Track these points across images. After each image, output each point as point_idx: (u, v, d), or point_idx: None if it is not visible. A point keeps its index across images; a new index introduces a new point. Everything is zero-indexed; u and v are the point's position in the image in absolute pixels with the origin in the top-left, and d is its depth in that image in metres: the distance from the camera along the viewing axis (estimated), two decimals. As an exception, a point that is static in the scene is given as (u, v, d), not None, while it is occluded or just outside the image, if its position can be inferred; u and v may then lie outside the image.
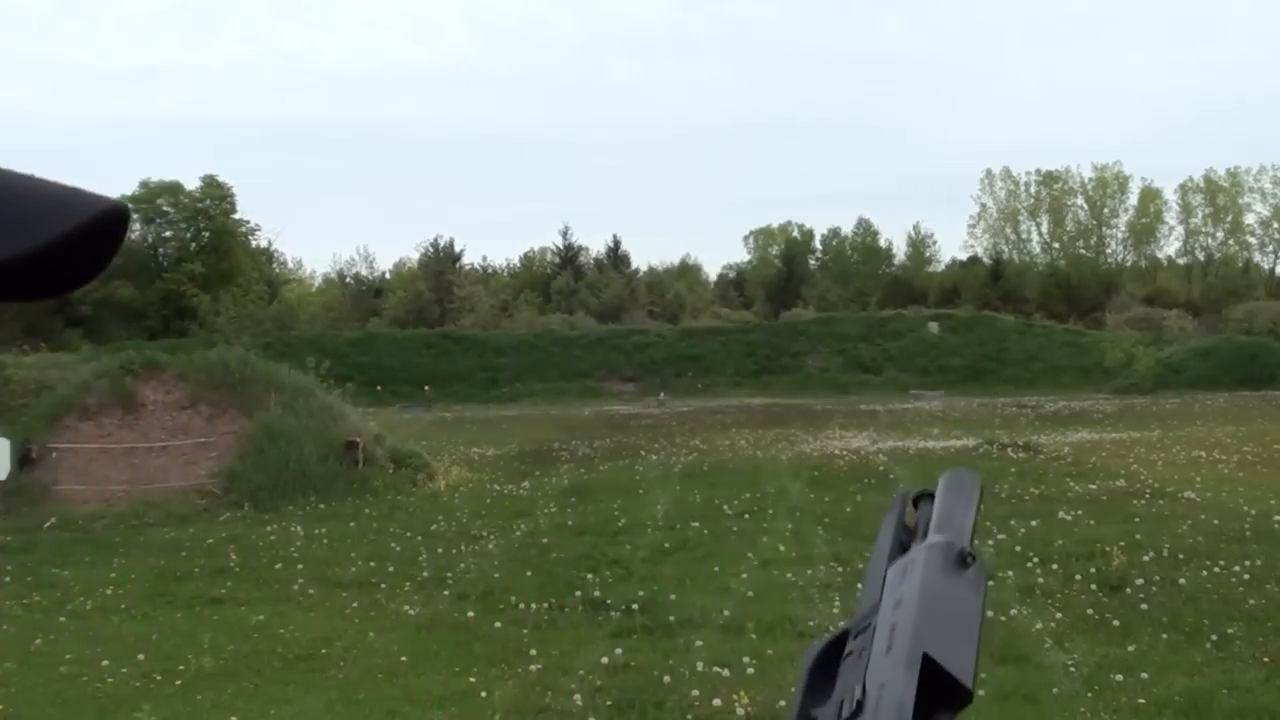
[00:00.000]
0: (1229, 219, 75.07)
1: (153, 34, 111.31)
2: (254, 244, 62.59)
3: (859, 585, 0.47)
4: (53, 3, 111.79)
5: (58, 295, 0.50)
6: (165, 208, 57.98)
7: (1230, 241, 75.72)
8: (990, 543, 10.55)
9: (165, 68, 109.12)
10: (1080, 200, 78.37)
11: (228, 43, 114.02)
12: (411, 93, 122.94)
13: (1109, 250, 78.32)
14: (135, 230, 58.79)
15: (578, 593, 8.96)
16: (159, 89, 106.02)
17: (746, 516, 12.86)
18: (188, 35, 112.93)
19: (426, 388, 44.39)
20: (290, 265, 75.29)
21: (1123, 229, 77.99)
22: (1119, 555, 9.22)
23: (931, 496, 0.49)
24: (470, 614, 8.43)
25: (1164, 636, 7.18)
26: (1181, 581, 8.60)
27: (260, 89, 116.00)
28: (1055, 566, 9.21)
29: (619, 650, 7.15)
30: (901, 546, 0.47)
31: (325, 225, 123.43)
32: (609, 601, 8.56)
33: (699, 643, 7.26)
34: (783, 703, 5.99)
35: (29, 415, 16.52)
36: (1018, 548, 10.18)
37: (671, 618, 8.04)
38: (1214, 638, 7.08)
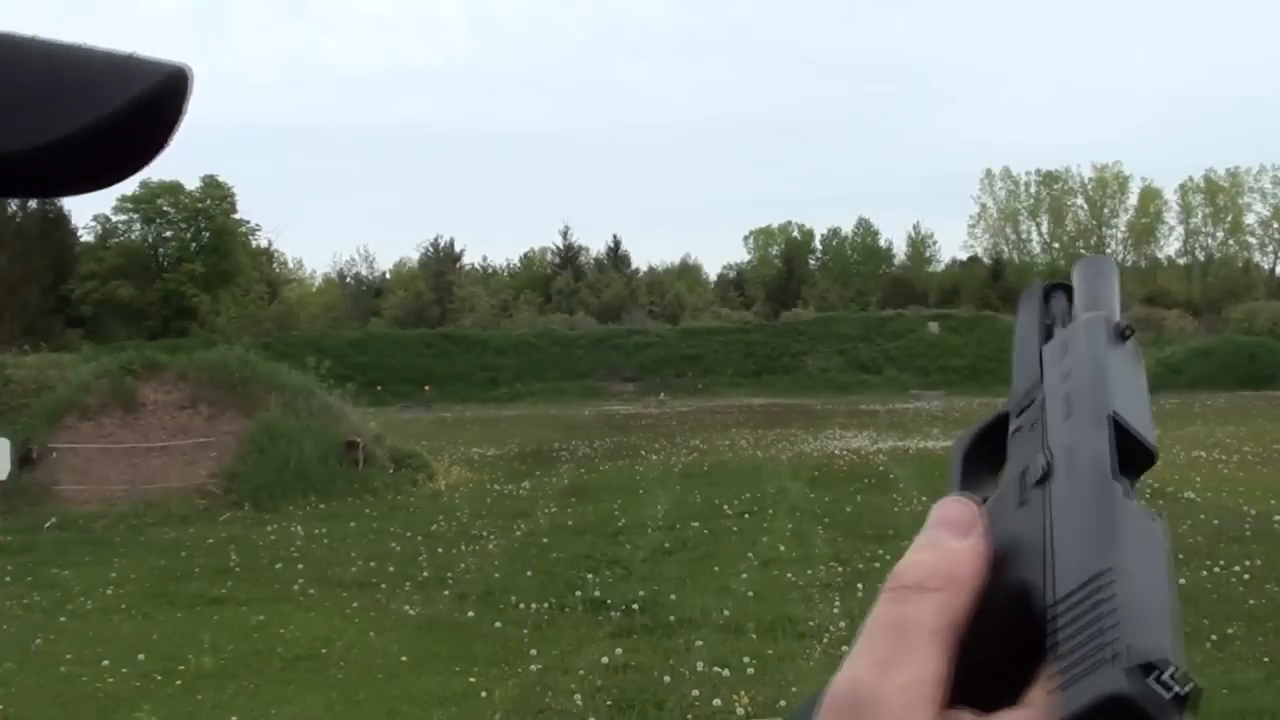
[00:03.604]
0: (1229, 219, 75.13)
1: (157, 34, 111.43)
2: (254, 244, 62.64)
3: (1012, 369, 0.47)
4: (58, 4, 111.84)
5: (124, 177, 0.45)
6: (165, 208, 58.00)
7: (1230, 241, 75.81)
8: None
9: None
10: (1080, 200, 78.47)
11: (231, 43, 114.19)
12: (412, 93, 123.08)
13: (1109, 250, 78.31)
14: (135, 230, 58.90)
15: (578, 593, 8.96)
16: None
17: (746, 516, 12.86)
18: (192, 36, 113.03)
19: (426, 388, 44.40)
20: (290, 265, 75.43)
21: (1123, 229, 78.10)
22: (1119, 555, 9.21)
23: (1065, 289, 0.50)
24: (470, 614, 8.43)
25: (1164, 636, 7.17)
26: (1181, 581, 8.59)
27: (261, 89, 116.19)
28: (1055, 566, 9.20)
29: (619, 650, 7.15)
30: (1048, 332, 0.47)
31: (325, 225, 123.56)
32: (609, 601, 8.56)
33: (699, 643, 7.26)
34: (783, 703, 5.99)
35: (29, 415, 16.51)
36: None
37: (671, 618, 8.04)
38: (1214, 638, 7.08)
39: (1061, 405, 0.41)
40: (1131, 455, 0.37)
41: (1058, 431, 0.40)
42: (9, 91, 0.42)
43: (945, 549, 0.37)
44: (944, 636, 0.35)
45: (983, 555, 0.37)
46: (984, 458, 0.46)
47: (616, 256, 73.99)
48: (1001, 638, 0.35)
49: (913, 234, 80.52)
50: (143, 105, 0.43)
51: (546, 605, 8.56)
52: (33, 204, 56.96)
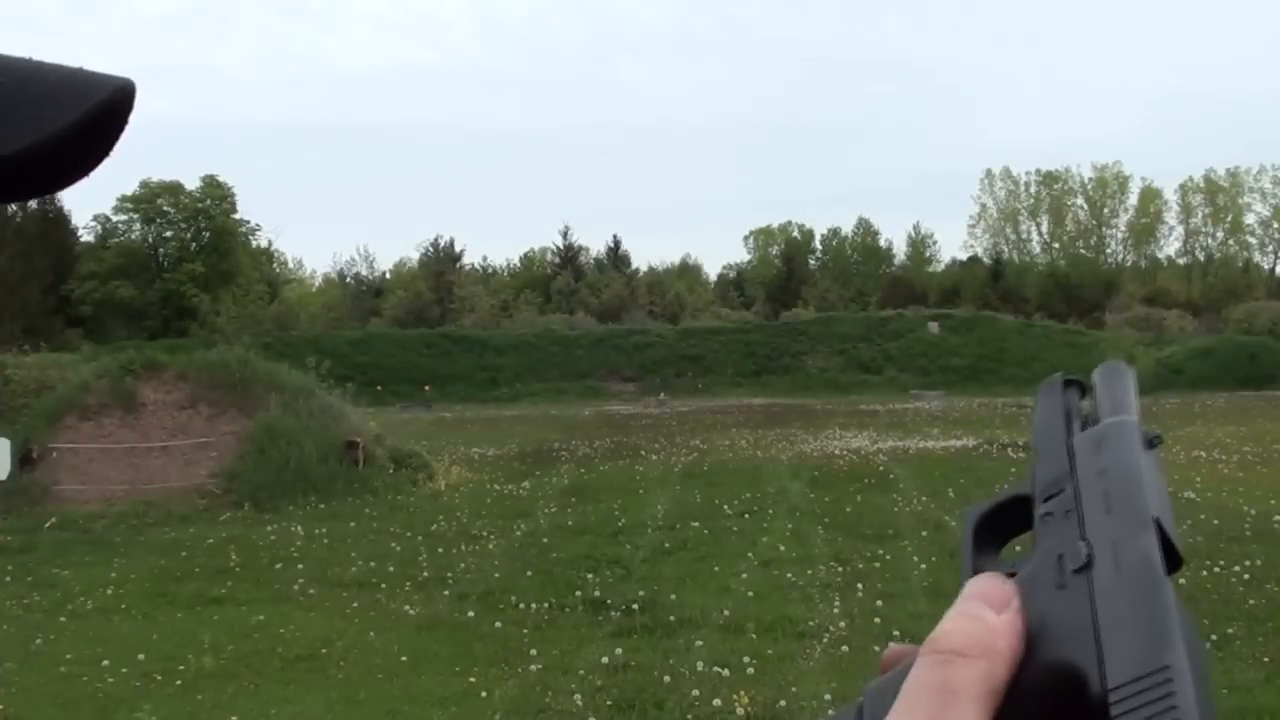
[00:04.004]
0: (1229, 219, 75.15)
1: (159, 35, 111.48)
2: (254, 244, 62.60)
3: (1034, 453, 0.49)
4: (61, 4, 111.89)
5: (64, 187, 0.48)
6: (165, 208, 57.99)
7: (1230, 241, 75.81)
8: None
9: (170, 68, 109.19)
10: (1080, 200, 78.48)
11: (233, 43, 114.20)
12: (413, 92, 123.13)
13: (1109, 250, 78.39)
14: (135, 230, 58.90)
15: (578, 593, 8.96)
16: (162, 89, 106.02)
17: (746, 516, 12.86)
18: (193, 36, 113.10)
19: (426, 388, 44.40)
20: (290, 265, 75.46)
21: (1123, 229, 78.11)
22: (1119, 555, 9.21)
23: (1080, 384, 0.51)
24: (470, 614, 8.43)
25: (1164, 636, 7.17)
26: (1181, 581, 8.56)
27: (261, 89, 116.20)
28: (1055, 566, 9.20)
29: (619, 650, 7.15)
30: (1076, 423, 0.49)
31: (325, 225, 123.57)
32: (609, 601, 8.57)
33: (699, 643, 7.26)
34: (783, 703, 5.99)
35: (29, 415, 16.52)
36: (1018, 548, 10.12)
37: (671, 618, 8.04)
38: (1214, 638, 7.07)
39: (1100, 500, 0.43)
40: (1167, 559, 0.39)
41: (1097, 524, 0.42)
42: None
43: (985, 621, 0.38)
44: (986, 704, 0.36)
45: (1019, 631, 0.38)
46: (993, 533, 0.48)
47: (616, 256, 74.00)
48: (1038, 711, 0.37)
49: (913, 234, 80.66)
50: (91, 121, 0.45)
51: (546, 605, 8.57)
52: (33, 204, 56.97)
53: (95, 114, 0.45)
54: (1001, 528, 0.48)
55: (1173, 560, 0.40)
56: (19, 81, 0.46)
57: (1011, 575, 0.43)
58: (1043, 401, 0.51)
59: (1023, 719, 0.37)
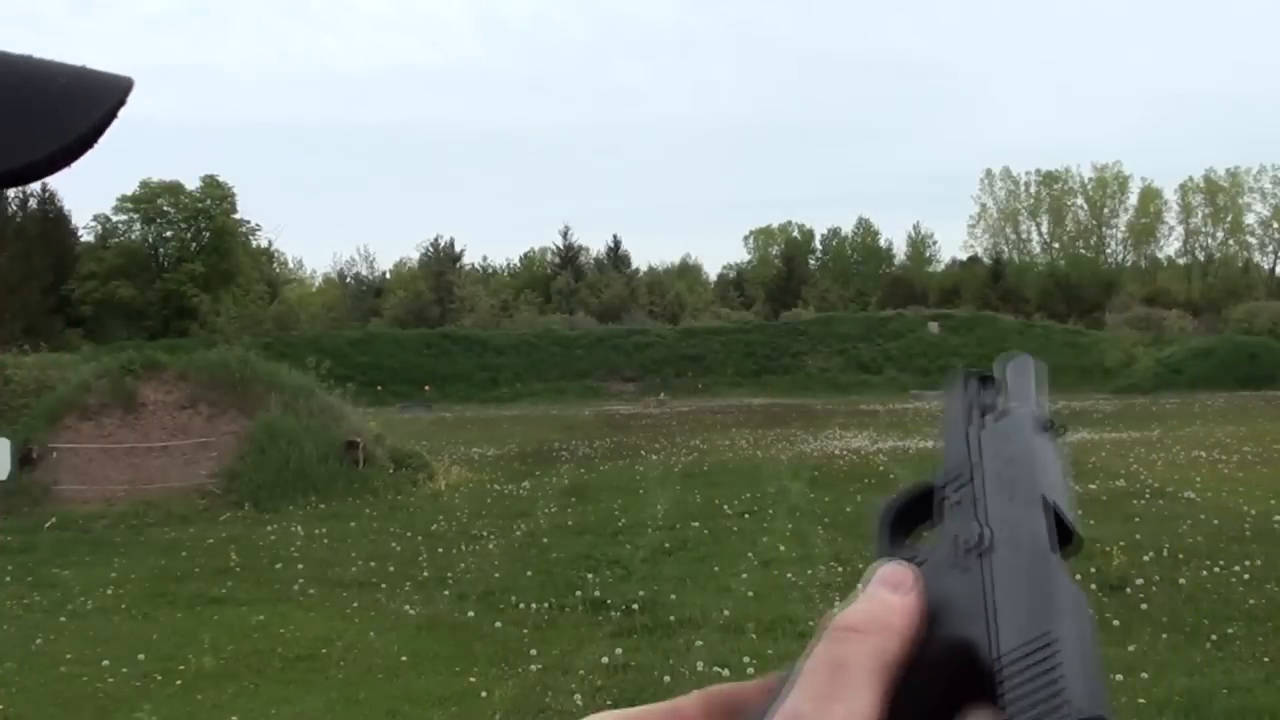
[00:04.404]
0: (1229, 219, 75.14)
1: (159, 35, 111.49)
2: (254, 244, 62.63)
3: (945, 445, 0.51)
4: (61, 3, 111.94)
5: (47, 176, 0.48)
6: (165, 208, 58.01)
7: (1230, 241, 75.82)
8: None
9: (171, 68, 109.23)
10: (1080, 200, 78.47)
11: (233, 43, 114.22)
12: (413, 92, 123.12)
13: (1109, 250, 78.40)
14: (135, 230, 58.94)
15: (578, 593, 8.96)
16: (162, 89, 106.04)
17: (746, 516, 12.86)
18: (193, 36, 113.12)
19: (426, 388, 44.41)
20: (290, 265, 75.45)
21: (1123, 229, 78.10)
22: (1119, 555, 9.22)
23: (987, 378, 0.54)
24: (470, 614, 8.43)
25: (1164, 636, 7.18)
26: (1181, 581, 8.60)
27: (262, 89, 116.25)
28: (1055, 566, 9.20)
29: (619, 650, 7.15)
30: (977, 414, 0.52)
31: (325, 225, 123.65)
32: (609, 601, 8.56)
33: (699, 643, 7.26)
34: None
35: (29, 415, 16.51)
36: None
37: (671, 618, 8.04)
38: (1214, 638, 7.07)
39: (996, 484, 0.45)
40: (1063, 539, 0.42)
41: (994, 508, 0.44)
42: None
43: (883, 601, 0.41)
44: (878, 677, 0.38)
45: (917, 610, 0.41)
46: (904, 523, 0.50)
47: (616, 256, 74.00)
48: (937, 684, 0.39)
49: (913, 234, 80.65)
50: (104, 123, 0.47)
51: (546, 605, 8.56)
52: (33, 204, 57.02)
53: (109, 116, 0.47)
54: (912, 518, 0.50)
55: (1068, 539, 0.42)
56: (35, 85, 0.46)
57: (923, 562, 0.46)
58: (949, 395, 0.54)
59: (925, 694, 0.39)
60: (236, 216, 59.77)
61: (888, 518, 0.50)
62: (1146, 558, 9.47)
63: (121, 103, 0.47)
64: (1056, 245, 78.17)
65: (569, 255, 73.66)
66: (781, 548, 10.74)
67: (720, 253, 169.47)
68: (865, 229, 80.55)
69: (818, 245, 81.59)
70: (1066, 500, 0.44)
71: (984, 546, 0.42)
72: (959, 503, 0.47)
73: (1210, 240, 76.54)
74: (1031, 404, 0.50)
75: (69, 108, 0.46)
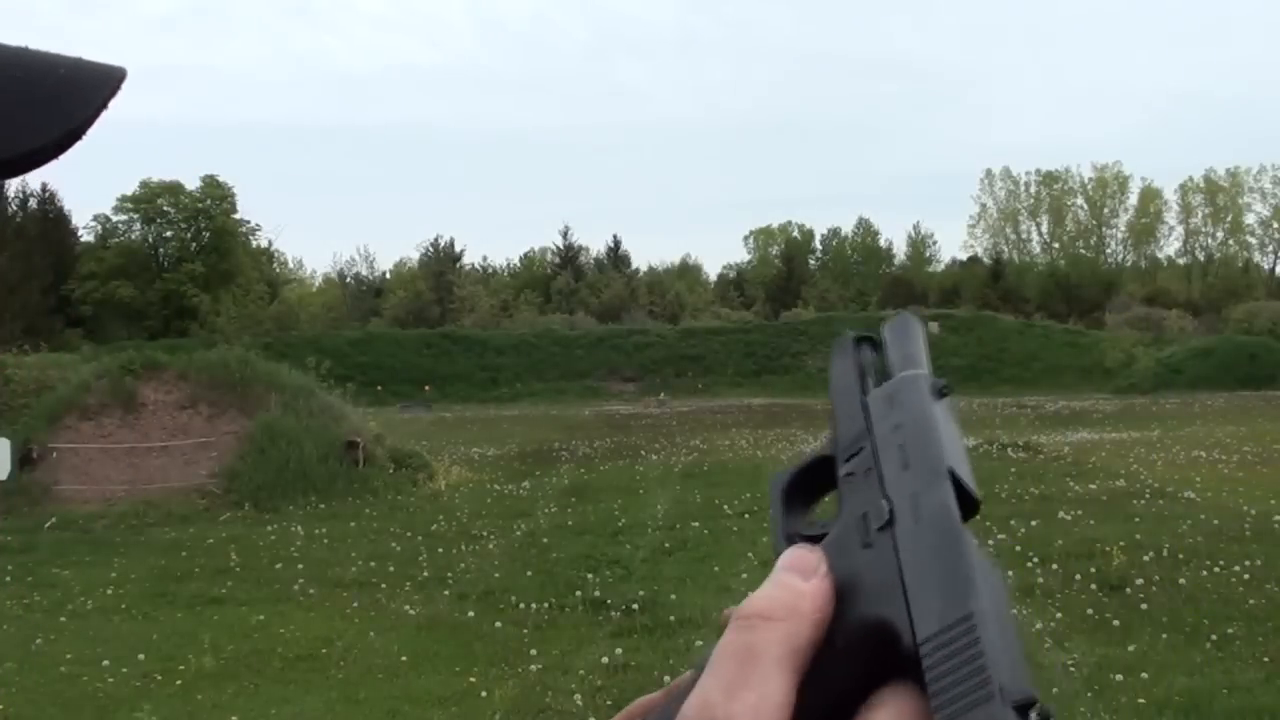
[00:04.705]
0: (1229, 219, 75.13)
1: (160, 35, 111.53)
2: (254, 244, 62.63)
3: (834, 414, 0.50)
4: (62, 3, 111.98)
5: (37, 167, 0.50)
6: (165, 208, 58.02)
7: (1230, 241, 75.81)
8: (990, 542, 10.55)
9: (171, 68, 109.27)
10: (1080, 200, 78.46)
11: (233, 43, 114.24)
12: (413, 92, 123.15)
13: (1109, 250, 78.39)
14: (135, 230, 58.96)
15: (578, 593, 8.96)
16: (163, 89, 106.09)
17: (746, 516, 12.86)
18: (193, 36, 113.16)
19: (426, 388, 44.41)
20: (290, 265, 75.44)
21: (1123, 229, 78.09)
22: (1119, 555, 9.22)
23: (873, 341, 0.52)
24: (470, 614, 8.43)
25: (1164, 636, 7.18)
26: (1181, 581, 8.59)
27: (262, 89, 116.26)
28: (1055, 566, 9.21)
29: (619, 650, 7.15)
30: (870, 380, 0.50)
31: (325, 225, 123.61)
32: (609, 601, 8.56)
33: (699, 643, 7.26)
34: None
35: (29, 415, 16.51)
36: (1018, 548, 10.17)
37: (671, 618, 8.04)
38: (1214, 638, 7.07)
39: (897, 456, 0.44)
40: (964, 506, 0.41)
41: (896, 480, 0.43)
42: None
43: (790, 586, 0.40)
44: (788, 663, 0.38)
45: (825, 593, 0.40)
46: (800, 495, 0.50)
47: (616, 256, 73.99)
48: (852, 666, 0.39)
49: (913, 234, 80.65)
50: (101, 112, 0.48)
51: (546, 605, 8.56)
52: (32, 204, 57.05)
53: (105, 105, 0.48)
54: (809, 490, 0.49)
55: (969, 506, 0.41)
56: (36, 75, 0.48)
57: (823, 535, 0.44)
58: (836, 361, 0.52)
59: (840, 677, 0.39)
60: (236, 216, 59.80)
61: (783, 491, 0.49)
62: (1146, 558, 9.46)
63: (116, 92, 0.49)
64: (1056, 245, 78.19)
65: (569, 255, 73.66)
66: (781, 548, 10.73)
67: (720, 253, 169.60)
68: (865, 229, 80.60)
69: (818, 245, 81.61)
70: (966, 467, 0.43)
71: (887, 520, 0.41)
72: (858, 475, 0.46)
73: (1210, 240, 76.59)
74: (923, 367, 0.48)
75: (70, 96, 0.47)
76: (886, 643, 0.38)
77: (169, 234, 58.92)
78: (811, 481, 0.50)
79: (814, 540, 0.45)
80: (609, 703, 6.14)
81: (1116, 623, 7.53)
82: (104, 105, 0.48)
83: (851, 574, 0.41)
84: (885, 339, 0.51)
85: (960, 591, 0.37)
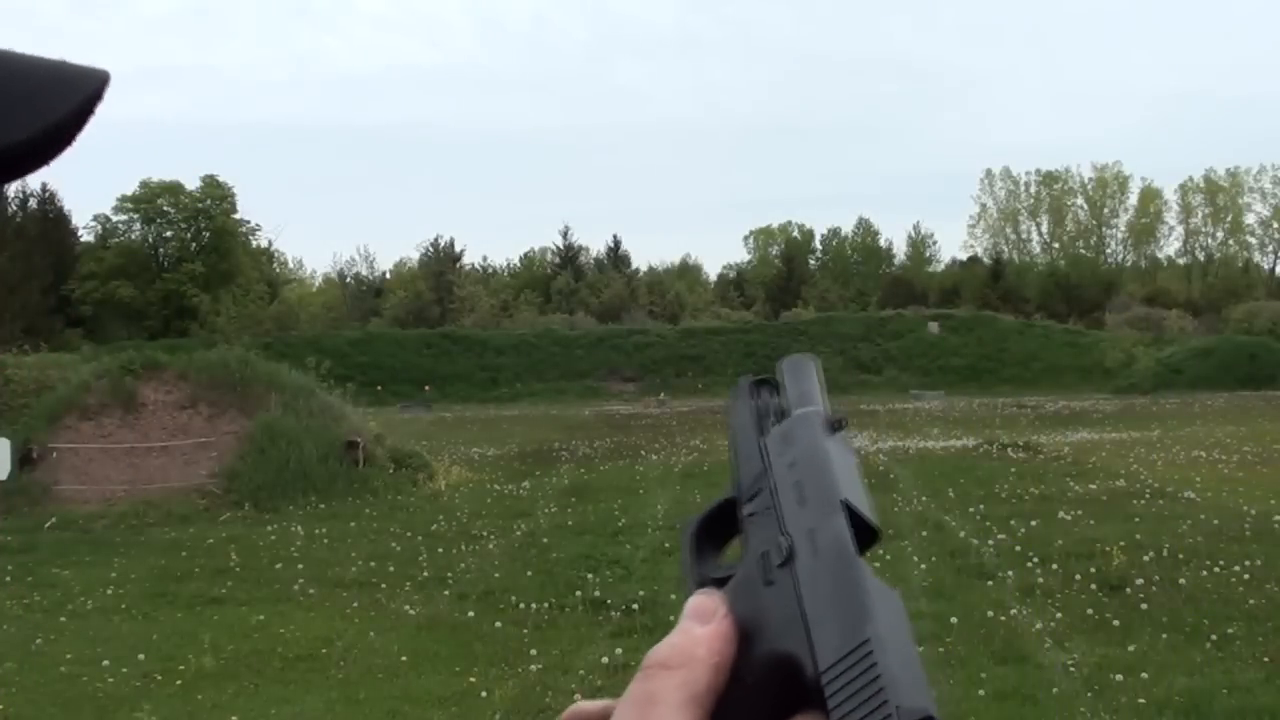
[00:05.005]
0: (1229, 219, 75.13)
1: (160, 35, 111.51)
2: (254, 244, 62.62)
3: (732, 461, 0.51)
4: (62, 3, 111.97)
5: (32, 171, 0.50)
6: (165, 208, 58.02)
7: (1230, 241, 75.81)
8: (990, 542, 10.56)
9: (170, 68, 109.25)
10: (1080, 200, 78.46)
11: (233, 43, 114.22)
12: (413, 92, 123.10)
13: (1109, 250, 78.38)
14: (135, 230, 58.97)
15: (578, 593, 8.96)
16: (163, 90, 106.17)
17: (746, 516, 12.84)
18: (193, 36, 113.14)
19: (426, 388, 44.41)
20: (290, 265, 75.44)
21: (1123, 229, 78.09)
22: (1119, 555, 9.22)
23: (771, 383, 0.54)
24: (470, 614, 8.42)
25: (1164, 636, 7.18)
26: (1181, 581, 8.59)
27: (262, 89, 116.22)
28: (1055, 566, 9.21)
29: (619, 650, 7.15)
30: (768, 421, 0.52)
31: (325, 225, 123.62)
32: (609, 601, 8.56)
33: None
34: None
35: (29, 415, 16.51)
36: (1018, 548, 10.17)
37: (672, 618, 7.75)
38: (1214, 638, 7.07)
39: (793, 493, 0.46)
40: (861, 535, 0.43)
41: (794, 517, 0.45)
42: None
43: (689, 633, 0.43)
44: (687, 709, 0.40)
45: (724, 635, 0.42)
46: (710, 540, 0.52)
47: (616, 256, 73.97)
48: (761, 702, 0.41)
49: (913, 234, 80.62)
50: (82, 112, 0.48)
51: (546, 605, 8.56)
52: (32, 204, 57.05)
53: (86, 105, 0.48)
54: (717, 534, 0.51)
55: (868, 535, 0.43)
56: (18, 74, 0.48)
57: (731, 578, 0.46)
58: (734, 404, 0.54)
59: (751, 713, 0.41)
60: (236, 216, 59.79)
61: (692, 536, 0.51)
62: (1146, 558, 9.46)
63: (100, 94, 0.49)
64: (1056, 245, 78.18)
65: (569, 255, 73.65)
66: (781, 548, 10.73)
67: (720, 253, 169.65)
68: (865, 229, 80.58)
69: (818, 245, 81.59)
70: (862, 497, 0.44)
71: (786, 557, 0.43)
72: (759, 514, 0.47)
73: (1210, 240, 76.59)
74: (817, 404, 0.50)
75: (47, 94, 0.48)
76: (791, 675, 0.40)
77: (169, 234, 58.93)
78: (719, 526, 0.51)
79: (723, 583, 0.47)
80: (609, 703, 6.14)
81: (1116, 623, 7.53)
82: (87, 105, 0.49)
83: (755, 612, 0.43)
84: (782, 379, 0.52)
85: (857, 619, 0.39)
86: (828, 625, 0.39)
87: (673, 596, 8.73)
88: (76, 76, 0.49)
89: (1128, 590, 8.37)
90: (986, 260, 75.26)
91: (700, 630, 0.42)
